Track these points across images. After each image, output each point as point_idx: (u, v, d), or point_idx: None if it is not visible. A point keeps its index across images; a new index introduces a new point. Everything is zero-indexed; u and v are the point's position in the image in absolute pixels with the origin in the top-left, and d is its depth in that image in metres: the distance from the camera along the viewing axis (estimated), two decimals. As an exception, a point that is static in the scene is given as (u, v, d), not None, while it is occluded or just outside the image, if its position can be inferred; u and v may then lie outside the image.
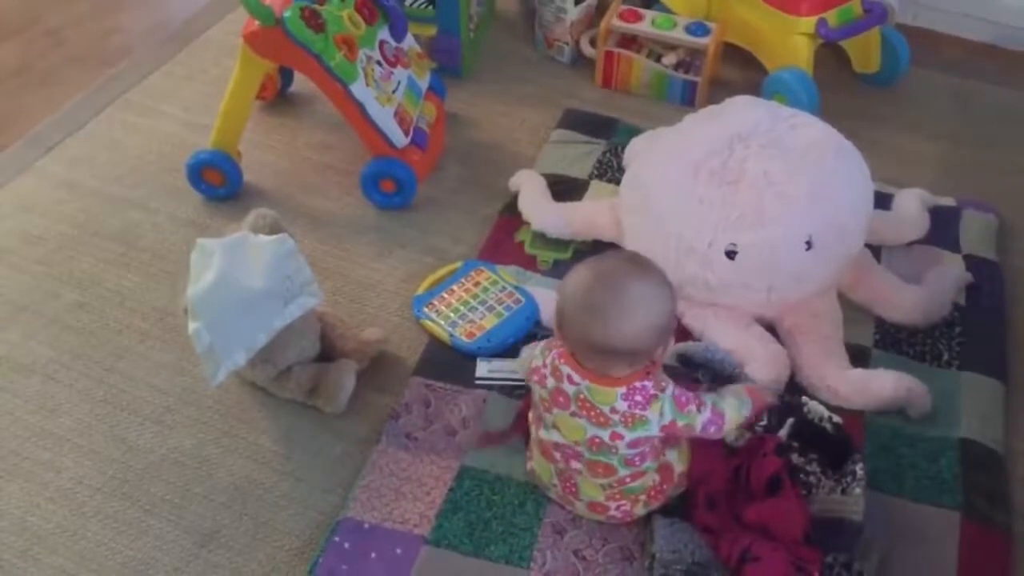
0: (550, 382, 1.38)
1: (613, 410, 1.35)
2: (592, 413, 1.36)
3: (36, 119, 2.36)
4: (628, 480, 1.43)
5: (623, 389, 1.34)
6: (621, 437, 1.37)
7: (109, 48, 2.65)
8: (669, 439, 1.43)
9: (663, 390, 1.36)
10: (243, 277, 1.57)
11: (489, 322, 1.81)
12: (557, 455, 1.45)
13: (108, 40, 2.69)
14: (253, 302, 1.57)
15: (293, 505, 1.58)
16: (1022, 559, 1.53)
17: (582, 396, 1.36)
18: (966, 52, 2.68)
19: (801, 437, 1.59)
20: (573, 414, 1.38)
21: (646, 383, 1.34)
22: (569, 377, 1.36)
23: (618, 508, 1.48)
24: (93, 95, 2.43)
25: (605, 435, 1.37)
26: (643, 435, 1.37)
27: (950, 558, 1.50)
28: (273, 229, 1.69)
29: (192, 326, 1.55)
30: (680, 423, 1.38)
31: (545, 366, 1.39)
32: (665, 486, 1.49)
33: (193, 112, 2.35)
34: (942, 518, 1.55)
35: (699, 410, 1.38)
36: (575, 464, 1.43)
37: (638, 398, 1.34)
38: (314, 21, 1.90)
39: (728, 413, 1.43)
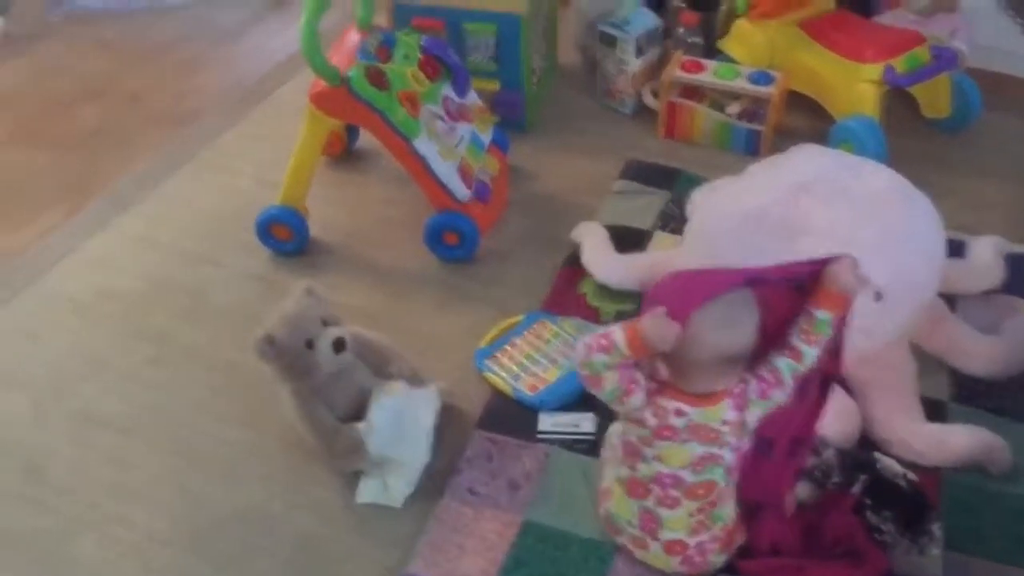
0: (651, 422, 1.37)
1: (724, 423, 1.35)
2: (702, 433, 1.36)
3: (113, 178, 2.45)
4: (718, 501, 1.41)
5: (729, 400, 1.34)
6: (728, 444, 1.37)
7: (184, 109, 2.75)
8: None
9: (748, 389, 1.35)
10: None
11: (552, 375, 1.80)
12: (654, 488, 1.42)
13: (184, 101, 2.79)
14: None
15: (356, 559, 1.58)
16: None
17: (692, 423, 1.35)
18: (1040, 96, 2.62)
19: (874, 494, 1.54)
20: (684, 441, 1.37)
21: (741, 386, 1.35)
22: (677, 411, 1.35)
23: (697, 547, 1.44)
24: (169, 155, 2.51)
25: (715, 448, 1.37)
26: (746, 437, 1.38)
27: (1036, 623, 1.43)
28: (313, 297, 1.70)
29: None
30: (771, 408, 1.37)
31: (642, 412, 1.37)
32: (738, 534, 1.47)
33: (264, 169, 2.41)
34: (1027, 581, 1.48)
35: (781, 387, 1.36)
36: (673, 492, 1.41)
37: (740, 402, 1.35)
38: (378, 79, 1.94)
39: (803, 363, 1.36)
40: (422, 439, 1.68)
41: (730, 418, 1.35)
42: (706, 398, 1.35)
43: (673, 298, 1.30)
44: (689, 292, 1.30)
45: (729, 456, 1.39)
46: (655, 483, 1.42)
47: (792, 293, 1.37)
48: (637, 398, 1.36)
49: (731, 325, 1.31)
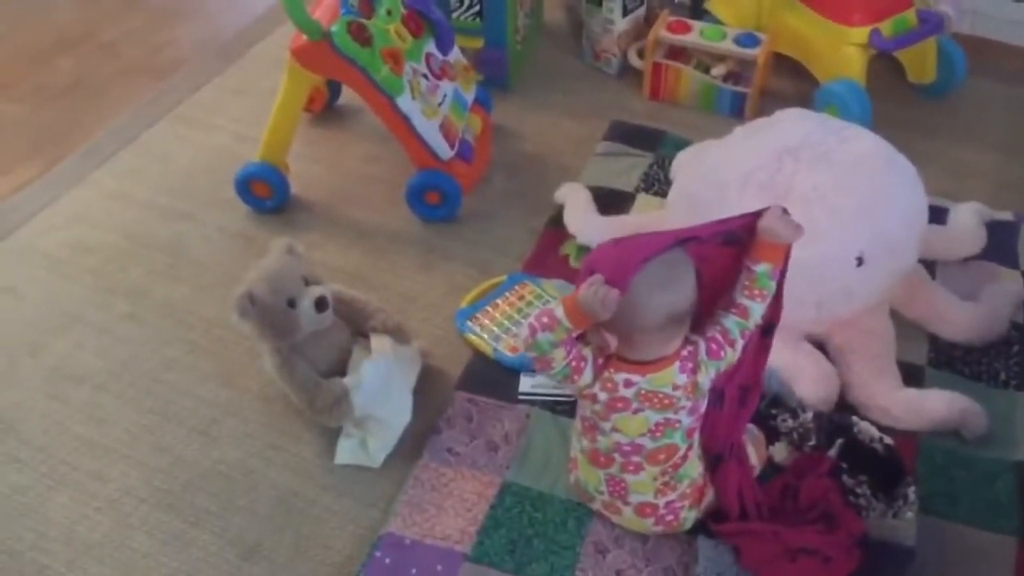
0: (602, 396, 1.37)
1: (675, 387, 1.35)
2: (655, 400, 1.35)
3: (90, 132, 2.40)
4: (681, 462, 1.42)
5: (677, 363, 1.34)
6: (684, 408, 1.37)
7: (161, 61, 2.70)
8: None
9: (699, 351, 1.35)
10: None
11: (533, 336, 1.80)
12: (616, 456, 1.42)
13: (161, 53, 2.74)
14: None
15: (335, 519, 1.58)
16: (1082, 588, 1.48)
17: (643, 392, 1.35)
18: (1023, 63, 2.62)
19: (851, 458, 1.55)
20: (636, 411, 1.37)
21: (689, 349, 1.35)
22: (627, 382, 1.35)
23: (667, 507, 1.46)
24: (145, 108, 2.47)
25: (671, 413, 1.37)
26: (701, 399, 1.38)
27: (1007, 585, 1.45)
28: (293, 255, 1.68)
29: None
30: (724, 367, 1.37)
31: (592, 388, 1.37)
32: (707, 488, 1.48)
33: (243, 125, 2.38)
34: (997, 543, 1.50)
35: (732, 347, 1.36)
36: (635, 458, 1.41)
37: (689, 364, 1.34)
38: (361, 35, 1.91)
39: (751, 320, 1.37)
40: (407, 398, 1.68)
41: (680, 381, 1.35)
42: (654, 364, 1.34)
43: (610, 265, 1.28)
44: (625, 257, 1.28)
45: (687, 419, 1.39)
46: (616, 452, 1.42)
47: (728, 249, 1.37)
48: (587, 376, 1.35)
49: (670, 285, 1.30)
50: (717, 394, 1.42)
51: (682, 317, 1.32)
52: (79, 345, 1.86)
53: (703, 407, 1.41)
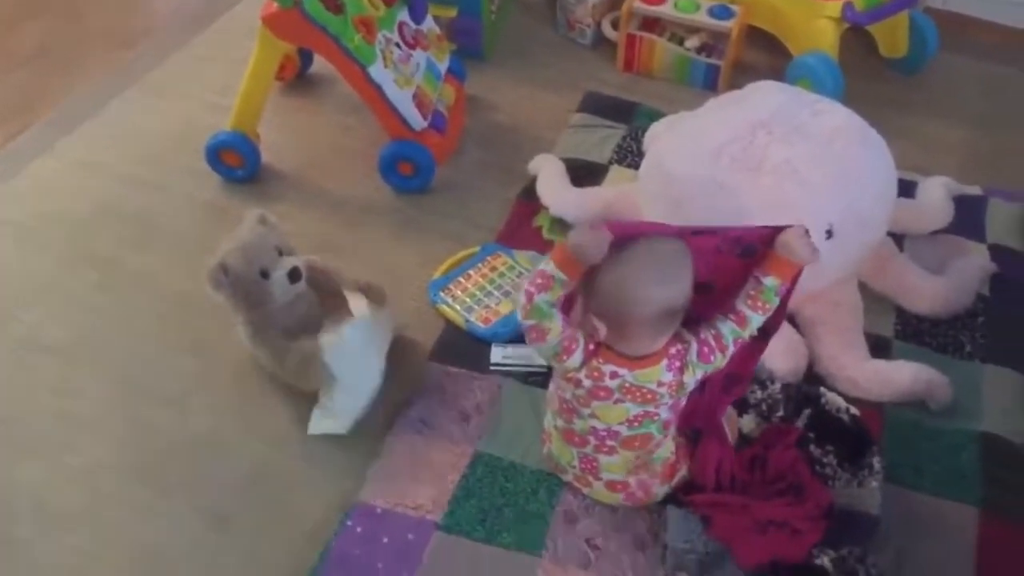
0: (586, 383, 1.37)
1: (660, 384, 1.35)
2: (638, 394, 1.36)
3: (57, 100, 2.37)
4: (656, 449, 1.43)
5: (665, 361, 1.34)
6: (666, 404, 1.38)
7: (131, 28, 2.66)
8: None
9: (689, 352, 1.34)
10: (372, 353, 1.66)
11: (505, 308, 1.80)
12: (590, 439, 1.43)
13: (130, 20, 2.69)
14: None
15: (306, 489, 1.58)
16: (1041, 555, 1.51)
17: (627, 385, 1.35)
18: (996, 37, 2.63)
19: (818, 428, 1.58)
20: (617, 401, 1.37)
21: (679, 347, 1.34)
22: (613, 373, 1.35)
23: (638, 484, 1.47)
24: (114, 76, 2.43)
25: (651, 407, 1.38)
26: (683, 397, 1.39)
27: (968, 553, 1.48)
28: (266, 226, 1.67)
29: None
30: (711, 371, 1.37)
31: (578, 373, 1.37)
32: (679, 464, 1.49)
33: (213, 93, 2.35)
34: (961, 513, 1.53)
35: (723, 353, 1.36)
36: (610, 443, 1.42)
37: (677, 363, 1.34)
38: (332, 3, 1.89)
39: (748, 330, 1.37)
40: (379, 363, 1.67)
41: (666, 379, 1.35)
42: (642, 360, 1.34)
43: (615, 225, 1.29)
44: (631, 224, 1.28)
45: (665, 413, 1.39)
46: (591, 435, 1.43)
47: (744, 261, 1.36)
48: (576, 357, 1.35)
49: (667, 278, 1.29)
50: (700, 383, 1.42)
51: (676, 312, 1.31)
52: (48, 315, 1.84)
53: (683, 403, 1.42)
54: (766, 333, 1.42)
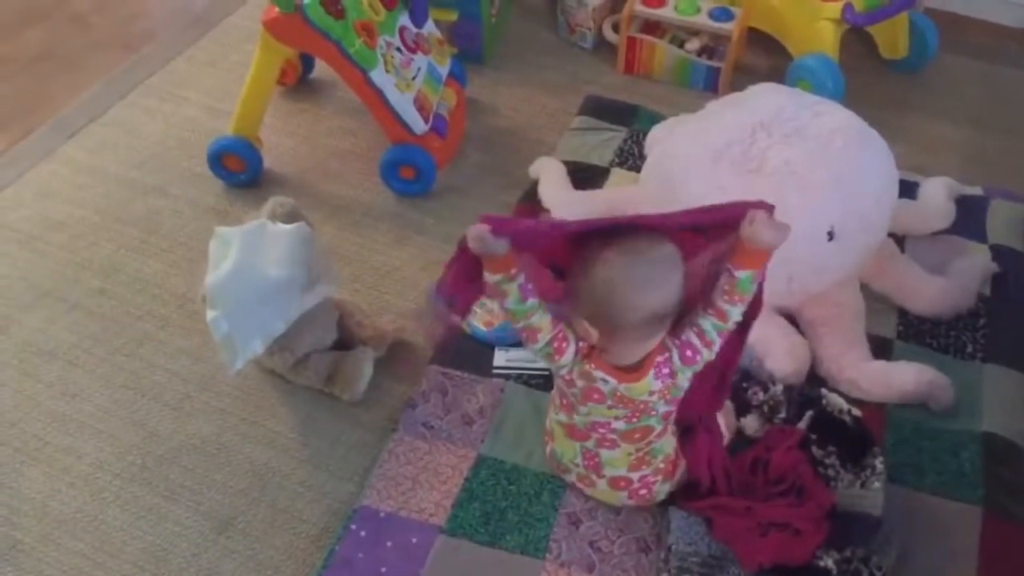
0: (579, 383, 1.38)
1: (651, 392, 1.36)
2: (630, 405, 1.37)
3: (60, 104, 2.37)
4: (656, 439, 1.43)
5: (652, 371, 1.34)
6: (662, 405, 1.39)
7: (132, 33, 2.66)
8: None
9: (674, 359, 1.35)
10: (261, 266, 1.58)
11: (507, 311, 1.80)
12: (592, 433, 1.44)
13: (131, 25, 2.70)
14: (271, 290, 1.58)
15: (310, 492, 1.58)
16: (1044, 555, 1.51)
17: (619, 394, 1.36)
18: (996, 37, 2.64)
19: (820, 429, 1.58)
20: (611, 407, 1.38)
21: (665, 355, 1.35)
22: (603, 380, 1.35)
23: (641, 480, 1.47)
24: (116, 81, 2.44)
25: (646, 414, 1.39)
26: (679, 395, 1.39)
27: (971, 553, 1.48)
28: (291, 217, 1.69)
29: (210, 314, 1.57)
30: (700, 368, 1.37)
31: (571, 373, 1.38)
32: (680, 461, 1.49)
33: (214, 98, 2.36)
34: (963, 513, 1.53)
35: (710, 348, 1.36)
36: (611, 436, 1.43)
37: (665, 371, 1.35)
38: (334, 7, 1.89)
39: (729, 322, 1.35)
40: (270, 293, 1.59)
41: (656, 387, 1.35)
42: (632, 373, 1.34)
43: (491, 216, 1.30)
44: (509, 220, 1.34)
45: (663, 408, 1.40)
46: (592, 429, 1.44)
47: (696, 235, 1.35)
48: (567, 356, 1.35)
49: (655, 285, 1.28)
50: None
51: (664, 317, 1.31)
52: (50, 320, 1.84)
53: (678, 401, 1.42)
54: (745, 324, 1.41)
